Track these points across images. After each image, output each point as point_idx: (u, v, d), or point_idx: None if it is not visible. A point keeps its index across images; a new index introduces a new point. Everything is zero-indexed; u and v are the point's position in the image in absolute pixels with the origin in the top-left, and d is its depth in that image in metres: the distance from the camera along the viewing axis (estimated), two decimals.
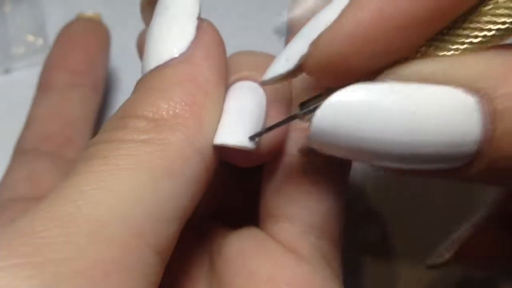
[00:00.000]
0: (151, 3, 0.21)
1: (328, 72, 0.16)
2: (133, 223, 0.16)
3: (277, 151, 0.20)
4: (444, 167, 0.16)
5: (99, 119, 0.32)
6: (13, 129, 0.33)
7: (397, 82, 0.15)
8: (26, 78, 0.35)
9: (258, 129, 0.19)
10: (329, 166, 0.20)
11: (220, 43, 0.19)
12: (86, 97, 0.30)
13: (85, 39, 0.31)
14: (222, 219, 0.23)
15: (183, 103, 0.18)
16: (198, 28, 0.19)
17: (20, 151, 0.29)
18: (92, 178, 0.16)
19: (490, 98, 0.15)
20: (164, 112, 0.18)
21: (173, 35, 0.19)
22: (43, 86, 0.30)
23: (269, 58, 0.20)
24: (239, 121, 0.19)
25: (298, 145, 0.20)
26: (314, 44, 0.16)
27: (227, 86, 0.20)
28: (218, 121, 0.19)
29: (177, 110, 0.18)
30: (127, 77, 0.35)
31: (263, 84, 0.19)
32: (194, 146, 0.18)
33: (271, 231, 0.21)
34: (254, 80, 0.20)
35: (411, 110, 0.15)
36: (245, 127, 0.19)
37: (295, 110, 0.18)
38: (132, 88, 0.19)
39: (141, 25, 0.23)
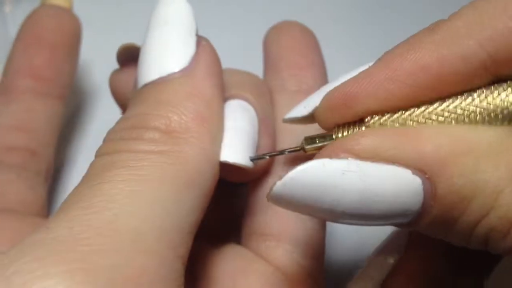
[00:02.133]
0: (124, 52, 0.23)
1: (328, 120, 0.19)
2: (166, 234, 0.16)
3: (267, 169, 0.22)
4: (394, 223, 0.18)
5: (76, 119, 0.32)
6: None
7: (353, 160, 0.17)
8: None
9: (253, 147, 0.21)
10: None
11: (218, 61, 0.20)
12: (52, 108, 0.28)
13: (52, 35, 0.28)
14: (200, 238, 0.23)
15: (193, 117, 0.19)
16: (198, 44, 0.20)
17: None
18: (121, 187, 0.16)
19: (433, 182, 0.16)
20: (176, 125, 0.18)
21: (174, 49, 0.19)
22: (6, 91, 0.28)
23: (253, 77, 0.22)
24: (239, 140, 0.20)
25: (283, 165, 0.22)
26: (323, 98, 0.18)
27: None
28: (222, 137, 0.20)
29: (189, 124, 0.18)
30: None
31: (283, 121, 0.21)
32: (208, 159, 0.18)
33: (257, 250, 0.21)
34: (244, 99, 0.21)
35: (363, 187, 0.16)
36: (245, 147, 0.20)
37: (299, 141, 0.20)
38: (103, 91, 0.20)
39: (141, 25, 0.23)
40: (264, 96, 0.22)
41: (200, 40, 0.20)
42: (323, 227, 0.22)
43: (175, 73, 0.19)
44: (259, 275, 0.20)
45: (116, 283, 0.15)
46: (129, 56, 0.22)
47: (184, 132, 0.18)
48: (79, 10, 0.30)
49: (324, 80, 0.24)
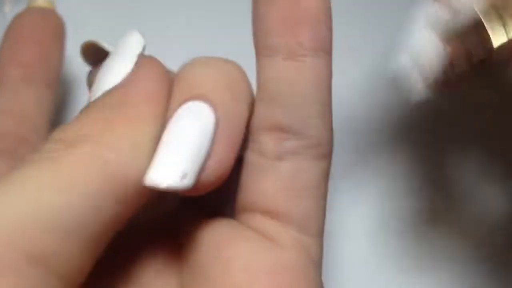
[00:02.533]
0: (87, 49, 0.23)
1: None
2: (3, 232, 0.15)
3: (224, 176, 0.19)
4: None
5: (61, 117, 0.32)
6: None
7: None
8: None
9: (198, 160, 0.18)
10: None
11: (154, 71, 0.20)
12: (40, 94, 0.29)
13: (37, 32, 0.29)
14: (194, 210, 0.22)
15: (98, 124, 0.18)
16: (136, 63, 0.20)
17: None
18: None
19: None
20: (77, 133, 0.18)
21: (114, 72, 0.20)
22: None
23: (224, 67, 0.20)
24: (172, 157, 0.18)
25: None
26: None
27: (173, 109, 0.19)
28: (141, 142, 0.18)
29: (89, 131, 0.18)
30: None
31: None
32: (100, 158, 0.17)
33: (248, 223, 0.20)
34: (203, 99, 0.19)
35: None
36: (179, 165, 0.18)
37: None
38: None
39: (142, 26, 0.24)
40: (233, 91, 0.20)
41: (140, 59, 0.20)
42: (322, 208, 0.20)
43: (104, 91, 0.19)
44: (246, 243, 0.19)
45: None
46: (96, 56, 0.23)
47: (86, 134, 0.18)
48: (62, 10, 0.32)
49: None
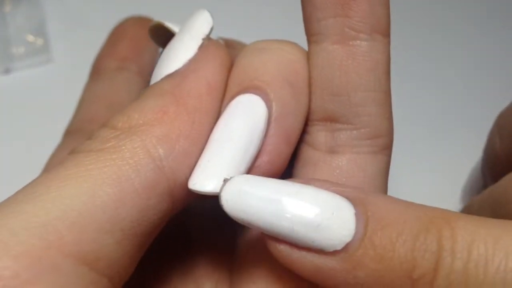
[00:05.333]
0: (155, 30, 0.21)
1: None
2: (50, 232, 0.14)
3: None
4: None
5: None
6: (14, 128, 0.33)
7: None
8: (26, 78, 0.35)
9: (245, 161, 0.17)
10: None
11: (218, 58, 0.18)
12: (131, 80, 0.30)
13: (134, 31, 0.32)
14: None
15: (154, 112, 0.17)
16: (201, 47, 0.18)
17: (66, 134, 0.29)
18: (28, 189, 0.15)
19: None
20: (133, 121, 0.17)
21: (176, 55, 0.18)
22: (93, 73, 0.31)
23: (286, 51, 0.18)
24: (217, 160, 0.17)
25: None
26: None
27: (226, 102, 0.18)
28: (195, 136, 0.17)
29: (145, 119, 0.17)
30: None
31: None
32: (149, 153, 0.16)
33: None
34: (257, 92, 0.18)
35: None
36: (223, 168, 0.17)
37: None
38: None
39: None
40: (293, 82, 0.18)
41: (205, 43, 0.18)
42: None
43: (164, 76, 0.18)
44: None
45: None
46: (164, 37, 0.22)
47: (138, 126, 0.16)
48: None
49: None
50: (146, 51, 0.32)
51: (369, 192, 0.16)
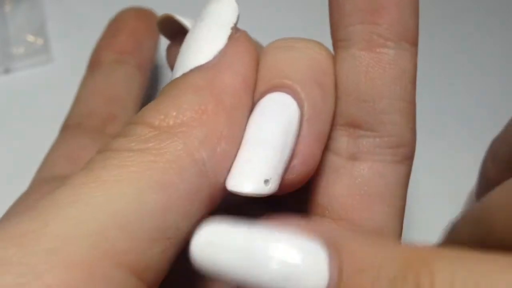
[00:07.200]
0: (164, 23, 0.20)
1: None
2: (102, 240, 0.14)
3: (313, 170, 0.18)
4: None
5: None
6: (14, 128, 0.33)
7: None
8: (26, 78, 0.35)
9: (282, 161, 0.17)
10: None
11: (251, 52, 0.18)
12: (130, 74, 0.30)
13: (134, 23, 0.32)
14: (260, 204, 0.20)
15: (192, 111, 0.16)
16: (231, 38, 0.17)
17: (64, 128, 0.29)
18: (69, 191, 0.14)
19: None
20: (171, 120, 0.16)
21: (203, 45, 0.17)
22: (91, 66, 0.31)
23: (313, 49, 0.18)
24: (256, 161, 0.16)
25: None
26: None
27: (256, 99, 0.18)
28: (233, 134, 0.17)
29: (184, 118, 0.16)
30: None
31: None
32: (193, 157, 0.16)
33: None
34: (287, 91, 0.17)
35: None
36: (262, 170, 0.16)
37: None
38: None
39: None
40: (321, 81, 0.18)
41: (235, 33, 0.18)
42: (399, 217, 0.19)
43: (196, 67, 0.17)
44: None
45: None
46: (174, 30, 0.21)
47: (177, 126, 0.16)
48: None
49: None
50: (145, 45, 0.32)
51: (342, 233, 0.15)
